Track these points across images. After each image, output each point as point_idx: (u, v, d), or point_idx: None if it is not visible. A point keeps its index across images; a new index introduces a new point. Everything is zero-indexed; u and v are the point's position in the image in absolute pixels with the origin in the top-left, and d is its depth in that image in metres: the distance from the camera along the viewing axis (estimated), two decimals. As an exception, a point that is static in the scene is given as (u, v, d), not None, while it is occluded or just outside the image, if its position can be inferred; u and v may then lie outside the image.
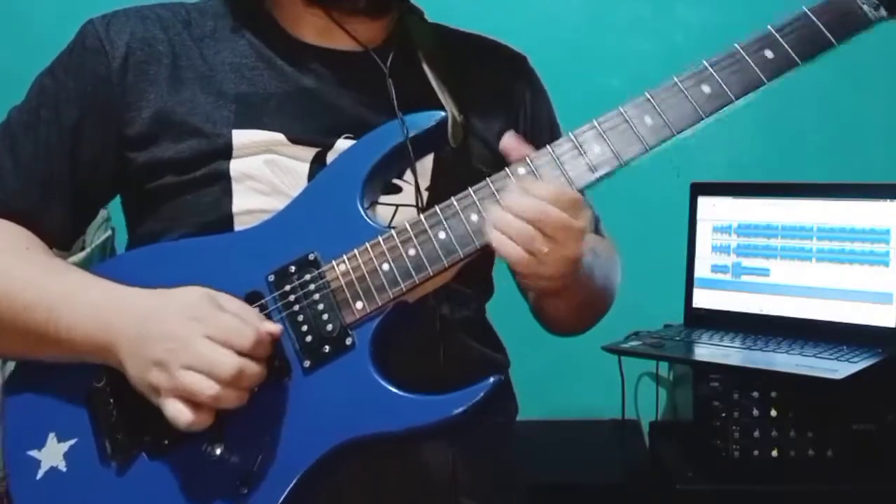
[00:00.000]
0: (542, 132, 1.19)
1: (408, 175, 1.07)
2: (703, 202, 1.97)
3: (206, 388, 0.90)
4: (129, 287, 0.99)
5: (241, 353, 0.91)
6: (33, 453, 1.02)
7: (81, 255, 1.56)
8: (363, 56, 1.09)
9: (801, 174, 1.94)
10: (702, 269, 1.96)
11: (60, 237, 1.09)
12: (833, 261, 1.82)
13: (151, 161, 1.04)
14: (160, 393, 0.92)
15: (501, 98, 1.17)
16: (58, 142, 1.05)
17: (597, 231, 1.23)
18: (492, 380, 0.97)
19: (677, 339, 1.85)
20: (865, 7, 0.98)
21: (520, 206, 0.94)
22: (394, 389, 0.97)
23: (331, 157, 1.05)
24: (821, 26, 0.97)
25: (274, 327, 0.95)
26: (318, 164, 1.05)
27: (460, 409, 0.96)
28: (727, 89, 0.97)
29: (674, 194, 1.96)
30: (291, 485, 0.96)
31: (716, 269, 1.95)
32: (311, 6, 1.08)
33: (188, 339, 0.91)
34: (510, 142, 1.00)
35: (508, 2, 2.18)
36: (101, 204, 1.15)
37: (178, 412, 0.91)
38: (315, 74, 1.08)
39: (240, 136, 1.04)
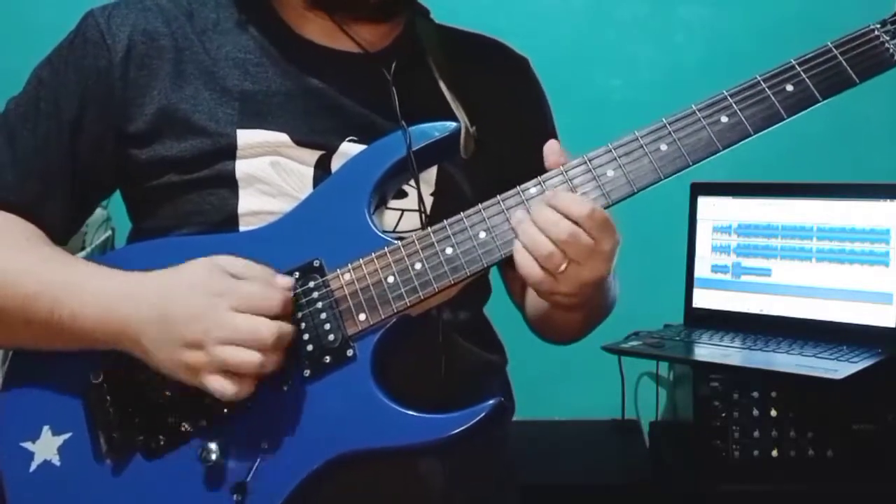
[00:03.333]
0: (544, 141, 1.19)
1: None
2: (703, 202, 1.97)
3: (251, 358, 0.90)
4: (132, 272, 0.98)
5: (272, 316, 0.92)
6: (27, 445, 1.01)
7: (81, 254, 1.56)
8: (369, 58, 1.08)
9: (801, 174, 1.94)
10: (702, 269, 1.96)
11: (58, 231, 1.08)
12: (833, 261, 1.82)
13: (154, 159, 1.04)
14: (198, 372, 0.92)
15: (506, 104, 1.16)
16: (57, 135, 1.04)
17: None
18: (492, 402, 0.96)
19: (677, 339, 1.84)
20: (891, 47, 0.97)
21: (546, 221, 0.92)
22: (394, 405, 0.96)
23: (335, 160, 1.04)
24: (845, 65, 0.96)
25: (288, 281, 0.95)
26: (322, 167, 1.04)
27: (458, 431, 0.95)
28: (746, 122, 0.96)
29: (674, 194, 1.96)
30: (286, 495, 0.95)
31: (716, 269, 1.95)
32: (314, 9, 1.07)
33: (218, 315, 0.91)
34: (554, 148, 0.98)
35: (509, 1, 2.18)
36: (100, 198, 1.14)
37: (224, 386, 0.91)
38: (320, 74, 1.07)
39: (244, 136, 1.03)
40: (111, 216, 1.68)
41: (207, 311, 0.91)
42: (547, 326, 1.18)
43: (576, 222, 0.91)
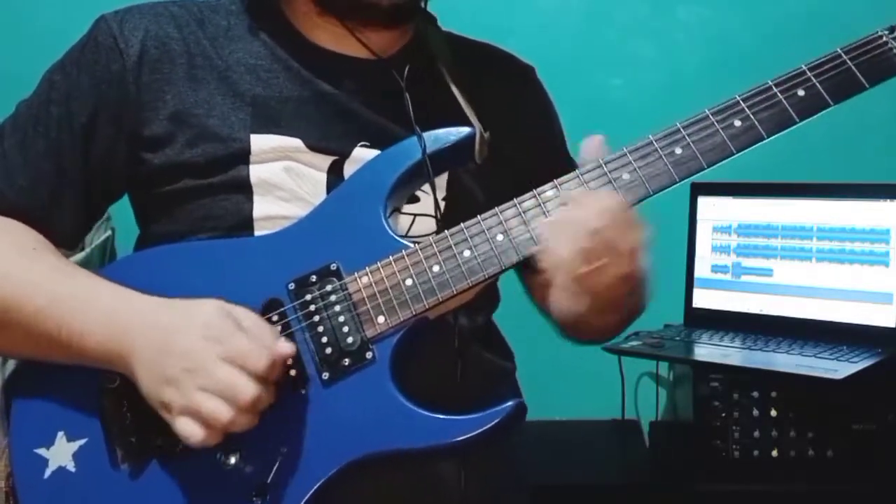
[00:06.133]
0: (554, 148, 1.19)
1: (426, 185, 1.06)
2: (703, 202, 1.97)
3: (222, 412, 0.89)
4: (143, 294, 0.97)
5: (255, 377, 0.90)
6: (41, 451, 1.00)
7: (81, 255, 1.56)
8: (380, 64, 1.08)
9: (801, 174, 1.94)
10: (702, 269, 1.96)
11: (68, 236, 1.08)
12: (833, 261, 1.82)
13: (168, 163, 1.03)
14: (171, 411, 0.91)
15: (513, 111, 1.17)
16: (69, 140, 1.04)
17: None
18: (512, 403, 0.97)
19: (677, 339, 1.85)
20: None
21: (578, 214, 0.92)
22: (414, 407, 0.96)
23: (348, 165, 1.05)
24: (855, 70, 0.98)
25: (287, 349, 0.93)
26: (335, 172, 1.04)
27: (479, 431, 0.95)
28: (759, 126, 0.98)
29: (674, 194, 1.95)
30: (306, 498, 0.95)
31: (716, 269, 1.95)
32: (326, 15, 1.08)
33: (205, 360, 0.90)
34: (593, 143, 0.98)
35: (509, 2, 2.18)
36: (110, 202, 1.13)
37: (190, 431, 0.89)
38: (332, 80, 1.07)
39: (258, 141, 1.03)
40: (111, 216, 1.68)
41: (197, 353, 0.90)
42: (581, 331, 1.15)
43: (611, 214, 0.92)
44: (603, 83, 2.17)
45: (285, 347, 0.93)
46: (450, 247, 0.98)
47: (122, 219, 1.13)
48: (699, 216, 1.97)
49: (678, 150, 0.97)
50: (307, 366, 0.98)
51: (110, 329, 0.95)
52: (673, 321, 1.98)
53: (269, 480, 0.95)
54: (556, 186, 0.98)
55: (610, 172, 0.97)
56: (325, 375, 0.98)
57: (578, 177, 0.98)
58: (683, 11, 2.18)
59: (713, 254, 1.96)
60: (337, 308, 0.98)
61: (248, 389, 0.89)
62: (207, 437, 0.90)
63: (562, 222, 0.94)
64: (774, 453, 1.68)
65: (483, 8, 2.13)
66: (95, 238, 1.63)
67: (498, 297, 1.18)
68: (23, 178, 1.04)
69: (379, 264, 0.99)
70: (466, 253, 0.98)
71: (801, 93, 0.98)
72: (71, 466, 1.00)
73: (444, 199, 1.08)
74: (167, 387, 0.91)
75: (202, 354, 0.90)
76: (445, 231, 0.99)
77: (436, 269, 0.98)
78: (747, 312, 1.90)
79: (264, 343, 0.92)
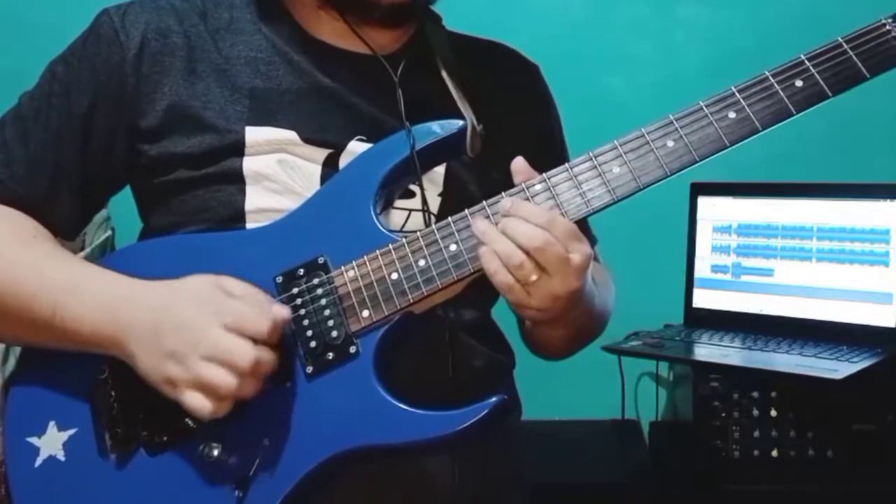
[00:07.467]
0: (552, 146, 1.19)
1: (422, 179, 1.06)
2: (703, 202, 1.97)
3: (227, 380, 0.89)
4: (135, 279, 0.98)
5: (256, 341, 0.90)
6: (33, 440, 1.02)
7: (81, 255, 1.56)
8: (379, 60, 1.09)
9: (801, 174, 1.94)
10: (702, 269, 1.96)
11: (67, 226, 1.09)
12: (833, 261, 1.82)
13: (164, 154, 1.04)
14: (177, 385, 0.91)
15: (515, 107, 1.16)
16: (69, 130, 1.05)
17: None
18: (494, 399, 0.96)
19: (677, 339, 1.85)
20: None
21: (514, 231, 0.92)
22: (395, 402, 0.96)
23: (343, 158, 1.05)
24: (856, 59, 0.95)
25: (284, 312, 0.94)
26: (330, 165, 1.05)
27: (460, 427, 0.95)
28: (754, 118, 0.95)
29: (674, 194, 1.96)
30: (287, 491, 0.96)
31: (716, 269, 1.95)
32: (326, 8, 1.08)
33: (204, 329, 0.90)
34: (521, 165, 0.98)
35: (509, 1, 2.18)
36: (110, 194, 1.14)
37: (200, 404, 0.90)
38: (330, 73, 1.08)
39: (253, 134, 1.04)
40: (111, 216, 1.68)
41: (196, 325, 0.91)
42: (534, 342, 1.17)
43: (544, 230, 0.91)
44: (603, 83, 2.17)
45: (282, 310, 0.94)
46: (436, 241, 0.98)
47: (122, 218, 1.14)
48: (699, 216, 1.97)
49: (670, 143, 0.95)
50: (292, 359, 0.98)
51: (103, 312, 0.96)
52: (673, 321, 1.98)
53: (250, 472, 0.96)
54: (545, 180, 0.97)
55: (600, 166, 0.96)
56: (310, 369, 0.98)
57: (568, 170, 0.97)
58: (683, 11, 2.18)
59: (713, 254, 1.96)
60: (323, 302, 0.99)
61: (249, 353, 0.89)
62: (217, 407, 0.90)
63: (491, 238, 0.93)
64: (774, 453, 1.68)
65: (483, 7, 2.13)
66: (95, 238, 1.63)
67: (497, 293, 1.18)
68: (23, 168, 1.05)
69: (366, 258, 0.99)
70: (453, 247, 0.97)
71: (798, 83, 0.95)
72: (61, 455, 1.01)
73: (440, 194, 1.08)
74: (169, 361, 0.91)
75: (200, 323, 0.91)
76: (433, 225, 0.99)
77: (422, 263, 0.97)
78: (747, 312, 1.90)
79: (260, 306, 0.92)
